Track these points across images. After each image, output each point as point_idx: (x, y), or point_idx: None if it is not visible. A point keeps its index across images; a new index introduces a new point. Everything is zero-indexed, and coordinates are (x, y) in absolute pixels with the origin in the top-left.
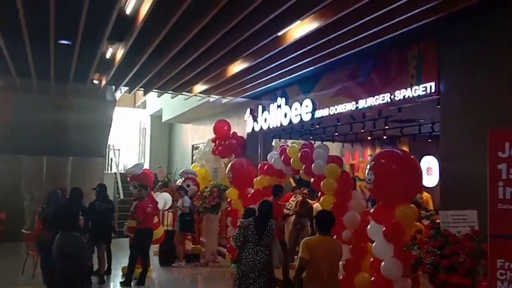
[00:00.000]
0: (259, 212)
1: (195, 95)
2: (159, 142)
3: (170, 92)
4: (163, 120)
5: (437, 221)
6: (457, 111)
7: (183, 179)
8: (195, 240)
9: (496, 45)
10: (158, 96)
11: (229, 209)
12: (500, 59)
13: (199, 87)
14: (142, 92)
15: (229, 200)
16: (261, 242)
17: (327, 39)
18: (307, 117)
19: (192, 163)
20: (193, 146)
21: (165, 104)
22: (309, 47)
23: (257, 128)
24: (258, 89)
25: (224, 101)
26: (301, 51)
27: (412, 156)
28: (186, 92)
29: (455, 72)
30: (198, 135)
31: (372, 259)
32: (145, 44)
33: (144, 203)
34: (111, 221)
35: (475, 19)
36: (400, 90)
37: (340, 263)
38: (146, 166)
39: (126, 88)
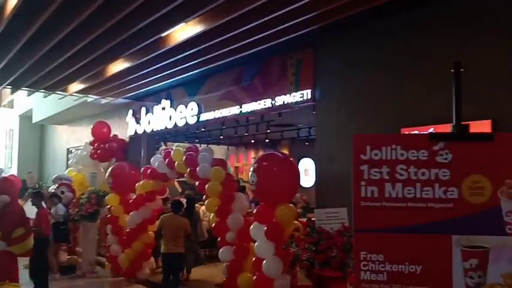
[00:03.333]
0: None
1: (71, 95)
2: (29, 145)
3: (42, 90)
4: (33, 121)
5: (313, 219)
6: (330, 116)
7: (57, 185)
8: (70, 250)
9: (367, 56)
10: (28, 95)
11: (109, 216)
12: (370, 69)
13: (76, 86)
14: (10, 90)
15: (109, 206)
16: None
17: (212, 43)
18: (192, 120)
19: (67, 168)
20: (68, 149)
21: (37, 103)
22: (194, 50)
23: (140, 131)
24: (141, 90)
25: (104, 101)
26: (186, 53)
27: (292, 159)
28: (60, 90)
29: (330, 80)
30: (74, 138)
31: (254, 259)
32: (14, 38)
33: (45, 210)
34: None
35: (350, 31)
36: (280, 96)
37: (224, 264)
38: (14, 172)
39: None
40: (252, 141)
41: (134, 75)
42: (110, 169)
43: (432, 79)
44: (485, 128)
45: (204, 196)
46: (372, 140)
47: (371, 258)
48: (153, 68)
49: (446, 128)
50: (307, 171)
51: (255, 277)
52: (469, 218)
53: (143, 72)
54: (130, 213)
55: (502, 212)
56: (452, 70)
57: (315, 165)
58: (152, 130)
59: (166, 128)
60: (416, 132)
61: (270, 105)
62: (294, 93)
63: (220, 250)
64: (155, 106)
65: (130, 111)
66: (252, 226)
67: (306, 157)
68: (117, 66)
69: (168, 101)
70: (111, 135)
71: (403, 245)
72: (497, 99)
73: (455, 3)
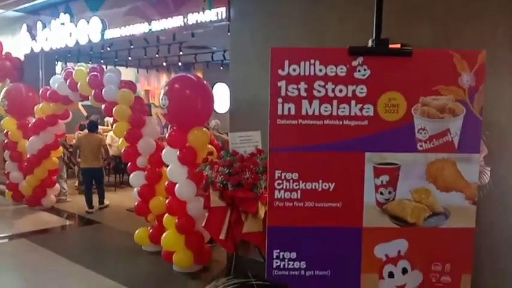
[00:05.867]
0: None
1: None
2: None
3: None
4: None
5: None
6: (246, 37)
7: None
8: None
9: None
10: None
11: (6, 141)
12: None
13: None
14: None
15: (5, 131)
16: None
17: None
18: (96, 38)
19: None
20: None
21: None
22: None
23: (37, 49)
24: (36, 2)
25: None
26: None
27: (205, 82)
28: None
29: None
30: None
31: (166, 183)
32: None
33: None
34: None
35: None
36: (192, 13)
37: (136, 189)
38: None
39: None
40: (164, 64)
41: None
42: (3, 90)
43: (345, 5)
44: None
45: (106, 121)
46: (290, 54)
47: (285, 177)
48: None
49: None
50: (222, 96)
51: (167, 200)
52: (383, 135)
53: None
54: (30, 138)
55: (414, 129)
56: None
57: (229, 89)
58: (51, 48)
59: (67, 45)
60: None
61: (182, 24)
62: (207, 11)
63: (131, 175)
64: (53, 21)
65: (25, 26)
66: (164, 150)
67: (221, 82)
68: None
69: (68, 16)
70: (4, 53)
71: (317, 163)
72: (407, 24)
73: None
